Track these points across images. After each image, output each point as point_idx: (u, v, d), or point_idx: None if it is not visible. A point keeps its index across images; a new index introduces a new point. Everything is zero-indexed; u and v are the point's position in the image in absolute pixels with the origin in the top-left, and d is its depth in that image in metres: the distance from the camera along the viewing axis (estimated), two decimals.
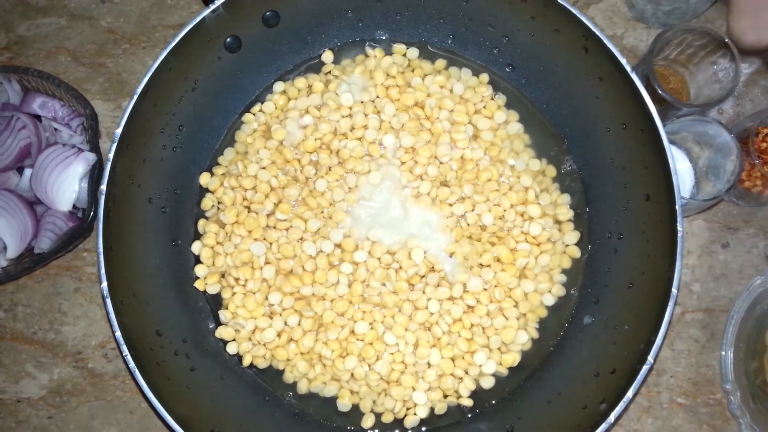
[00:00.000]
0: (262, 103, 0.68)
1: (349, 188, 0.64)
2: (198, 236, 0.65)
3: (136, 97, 0.58)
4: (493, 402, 0.61)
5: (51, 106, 0.69)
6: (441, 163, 0.65)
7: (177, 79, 0.62)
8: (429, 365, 0.60)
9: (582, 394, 0.57)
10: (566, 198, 0.65)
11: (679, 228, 0.54)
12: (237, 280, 0.62)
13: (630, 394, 0.52)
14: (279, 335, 0.61)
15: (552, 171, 0.66)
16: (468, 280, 0.61)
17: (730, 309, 0.66)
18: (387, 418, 0.60)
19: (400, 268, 0.61)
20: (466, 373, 0.60)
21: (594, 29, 0.59)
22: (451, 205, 0.63)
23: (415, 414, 0.60)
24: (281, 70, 0.69)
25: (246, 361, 0.61)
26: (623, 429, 0.65)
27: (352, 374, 0.60)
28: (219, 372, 0.61)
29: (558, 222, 0.64)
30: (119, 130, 0.58)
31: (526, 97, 0.68)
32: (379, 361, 0.60)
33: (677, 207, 0.55)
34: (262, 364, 0.62)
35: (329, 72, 0.69)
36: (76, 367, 0.68)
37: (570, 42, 0.61)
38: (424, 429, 0.61)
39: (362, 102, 0.66)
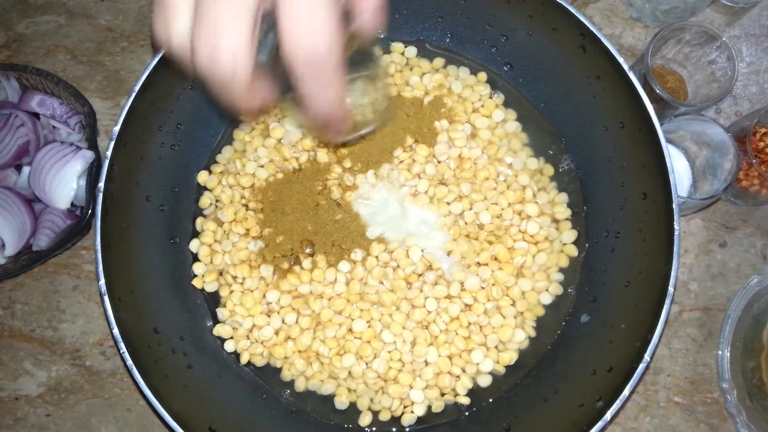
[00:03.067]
0: None
1: (347, 186, 0.64)
2: (196, 234, 0.65)
3: (134, 94, 0.58)
4: (490, 400, 0.61)
5: (49, 103, 0.69)
6: (439, 161, 0.65)
7: (175, 76, 0.62)
8: (426, 363, 0.60)
9: (579, 392, 0.57)
10: (564, 197, 0.65)
11: (676, 227, 0.54)
12: (235, 278, 0.62)
13: (626, 392, 0.52)
14: (277, 333, 0.61)
15: (550, 170, 0.66)
16: (465, 278, 0.61)
17: (728, 308, 0.66)
18: (384, 416, 0.60)
19: (398, 266, 0.61)
20: (464, 371, 0.60)
21: (592, 28, 0.59)
22: (448, 203, 0.63)
23: (412, 412, 0.60)
24: None
25: (243, 359, 0.61)
26: (621, 428, 0.65)
27: (349, 372, 0.60)
28: (216, 370, 0.61)
29: (555, 220, 0.64)
30: (117, 128, 0.57)
31: (524, 95, 0.68)
32: (376, 359, 0.60)
33: (674, 206, 0.55)
34: (259, 361, 0.62)
35: None
36: (74, 365, 0.68)
37: (568, 41, 0.61)
38: (421, 427, 0.61)
39: None
